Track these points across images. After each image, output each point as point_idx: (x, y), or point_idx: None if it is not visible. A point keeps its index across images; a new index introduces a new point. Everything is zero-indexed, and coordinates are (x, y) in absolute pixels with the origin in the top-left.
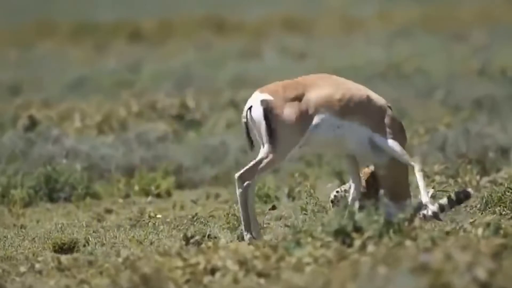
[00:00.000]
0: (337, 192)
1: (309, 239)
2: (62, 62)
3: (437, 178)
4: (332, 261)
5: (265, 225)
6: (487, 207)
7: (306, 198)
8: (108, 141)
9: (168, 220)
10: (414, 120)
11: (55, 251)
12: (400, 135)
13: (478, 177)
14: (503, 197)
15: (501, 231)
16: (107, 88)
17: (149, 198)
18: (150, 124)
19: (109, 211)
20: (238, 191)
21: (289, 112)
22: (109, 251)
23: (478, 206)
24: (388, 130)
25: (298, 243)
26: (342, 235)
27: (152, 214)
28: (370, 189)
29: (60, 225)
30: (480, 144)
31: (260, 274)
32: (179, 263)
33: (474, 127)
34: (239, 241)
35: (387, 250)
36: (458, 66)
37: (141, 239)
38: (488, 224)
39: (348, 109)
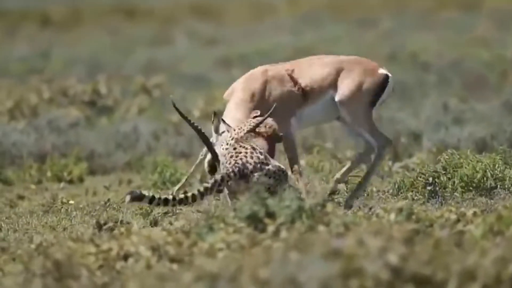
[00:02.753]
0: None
1: (222, 225)
2: None
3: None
4: (245, 247)
5: (177, 211)
6: (399, 193)
7: None
8: (19, 128)
9: (80, 206)
10: None
11: None
12: None
13: (390, 163)
14: (415, 183)
15: (413, 216)
16: (18, 74)
17: (62, 184)
18: (61, 110)
19: (21, 197)
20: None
21: None
22: (22, 237)
23: (391, 191)
24: None
25: (210, 229)
26: (255, 220)
27: (64, 200)
28: None
29: None
30: (392, 129)
31: (172, 260)
32: (92, 249)
33: (385, 113)
34: (152, 226)
35: (299, 235)
36: (368, 51)
37: (53, 225)
38: (400, 209)
39: None
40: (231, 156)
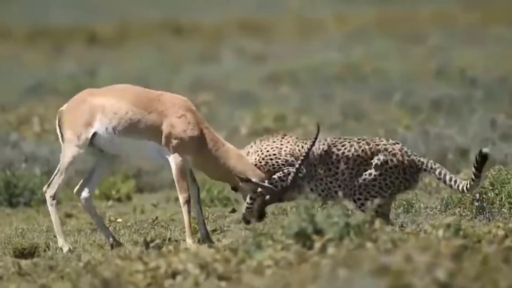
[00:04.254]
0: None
1: (270, 242)
2: (18, 66)
3: None
4: (293, 264)
5: (225, 228)
6: (447, 209)
7: None
8: None
9: (128, 224)
10: (373, 122)
11: (16, 256)
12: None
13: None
14: (463, 199)
15: (461, 232)
16: (65, 92)
17: (110, 202)
18: None
19: (69, 215)
20: None
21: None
22: (70, 255)
23: (439, 207)
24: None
25: (258, 246)
26: (303, 237)
27: (112, 218)
28: None
29: (20, 230)
30: (439, 145)
31: (220, 277)
32: (140, 267)
33: (433, 129)
34: (200, 244)
35: (348, 252)
36: (416, 67)
37: (101, 244)
38: (448, 225)
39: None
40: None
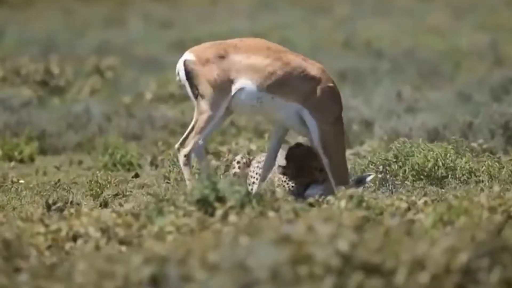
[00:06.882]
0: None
1: (172, 208)
2: None
3: None
4: (194, 230)
5: (127, 193)
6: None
7: (169, 166)
8: None
9: (31, 185)
10: None
11: None
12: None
13: None
14: (366, 170)
15: (364, 204)
16: None
17: (12, 163)
18: (14, 89)
19: None
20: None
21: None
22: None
23: None
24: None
25: (160, 212)
26: (205, 204)
27: (14, 180)
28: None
29: None
30: (344, 116)
31: (122, 242)
32: (41, 229)
33: None
34: (101, 208)
35: (249, 220)
36: (322, 38)
37: (3, 205)
38: (351, 197)
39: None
40: None
